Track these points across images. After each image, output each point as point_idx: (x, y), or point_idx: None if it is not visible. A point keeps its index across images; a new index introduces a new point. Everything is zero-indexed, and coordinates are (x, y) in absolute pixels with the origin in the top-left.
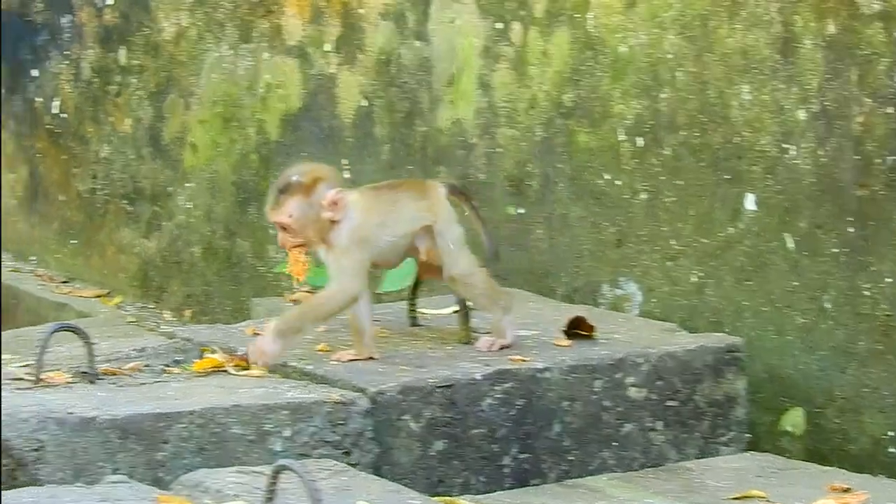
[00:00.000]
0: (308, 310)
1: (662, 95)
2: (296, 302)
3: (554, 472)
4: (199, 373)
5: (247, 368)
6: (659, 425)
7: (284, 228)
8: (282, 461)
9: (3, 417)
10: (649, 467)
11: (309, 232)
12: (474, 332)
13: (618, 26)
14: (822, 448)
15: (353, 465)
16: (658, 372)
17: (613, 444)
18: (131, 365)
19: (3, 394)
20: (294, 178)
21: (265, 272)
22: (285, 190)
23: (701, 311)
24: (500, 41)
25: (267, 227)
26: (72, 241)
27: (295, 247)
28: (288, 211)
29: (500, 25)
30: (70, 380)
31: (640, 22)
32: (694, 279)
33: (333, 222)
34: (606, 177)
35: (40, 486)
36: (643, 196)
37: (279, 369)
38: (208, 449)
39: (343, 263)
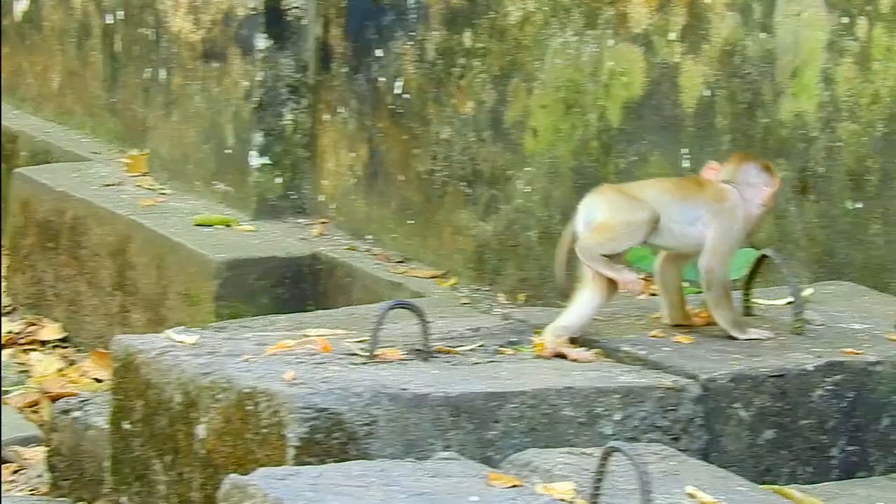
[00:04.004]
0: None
1: None
2: None
3: (881, 464)
4: (535, 354)
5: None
6: None
7: None
8: (612, 443)
9: (337, 391)
10: None
11: None
12: (808, 323)
13: None
14: None
15: (682, 451)
16: None
17: None
18: (467, 346)
19: (337, 368)
20: None
21: None
22: None
23: None
24: (844, 35)
25: None
26: (409, 222)
27: None
28: None
29: (845, 20)
30: (404, 357)
31: None
32: None
33: None
34: None
35: (371, 459)
36: None
37: (613, 354)
38: (539, 429)
39: None
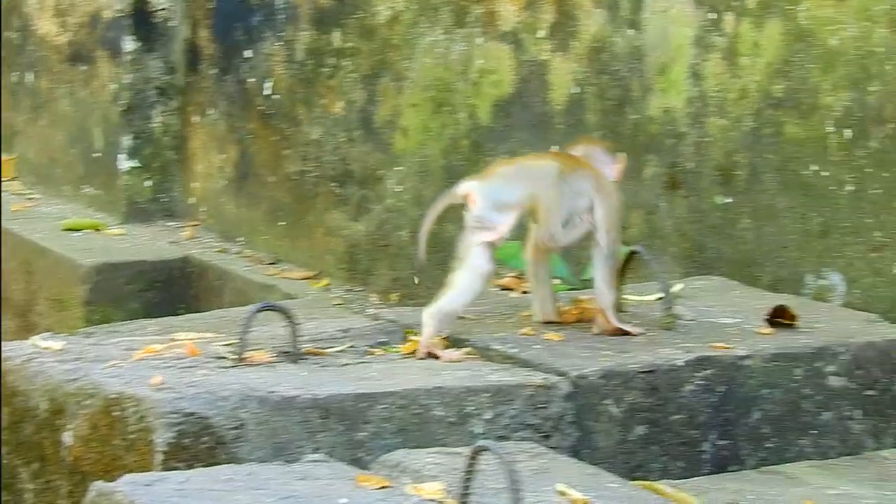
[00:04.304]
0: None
1: (871, 88)
2: (503, 287)
3: (752, 458)
4: (405, 354)
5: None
6: (857, 414)
7: None
8: (481, 442)
9: (204, 395)
10: (846, 455)
11: None
12: (678, 318)
13: (829, 19)
14: None
15: (553, 449)
16: (858, 361)
17: (812, 431)
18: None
19: (205, 372)
20: None
21: None
22: None
23: None
24: (712, 31)
25: None
26: (280, 223)
27: None
28: None
29: (713, 15)
30: (273, 359)
31: (851, 14)
32: None
33: None
34: (813, 168)
35: (239, 463)
36: (849, 188)
37: (483, 352)
38: (409, 430)
39: None
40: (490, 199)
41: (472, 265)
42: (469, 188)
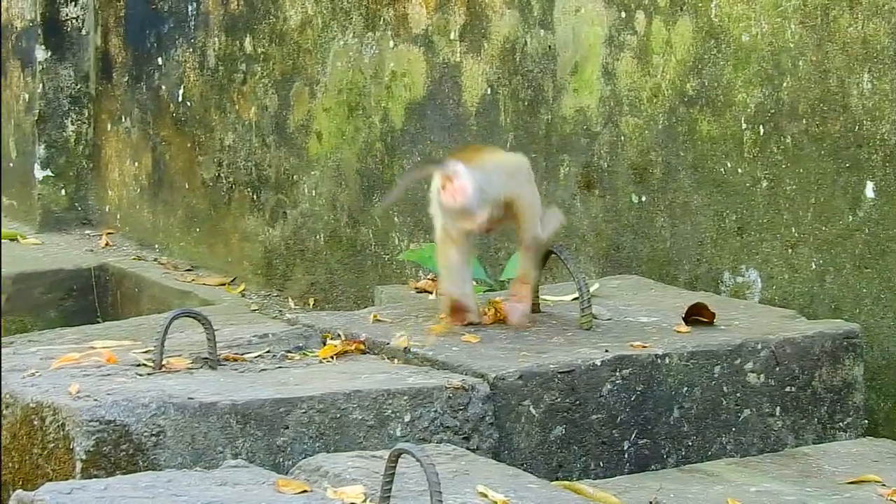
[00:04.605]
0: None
1: (784, 84)
2: (419, 290)
3: (673, 457)
4: (322, 359)
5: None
6: (777, 411)
7: None
8: (400, 445)
9: (123, 402)
10: (767, 452)
11: None
12: (595, 318)
13: (740, 15)
14: None
15: (473, 450)
16: (777, 358)
17: (732, 429)
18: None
19: (123, 380)
20: None
21: (389, 260)
22: None
23: (820, 298)
24: (623, 30)
25: (391, 214)
26: (196, 230)
27: None
28: None
29: (624, 14)
30: (191, 366)
31: (762, 11)
32: (813, 266)
33: None
34: (728, 165)
35: (159, 470)
36: (764, 184)
37: (399, 355)
38: (328, 434)
39: None
40: (476, 187)
41: (457, 250)
42: (458, 170)
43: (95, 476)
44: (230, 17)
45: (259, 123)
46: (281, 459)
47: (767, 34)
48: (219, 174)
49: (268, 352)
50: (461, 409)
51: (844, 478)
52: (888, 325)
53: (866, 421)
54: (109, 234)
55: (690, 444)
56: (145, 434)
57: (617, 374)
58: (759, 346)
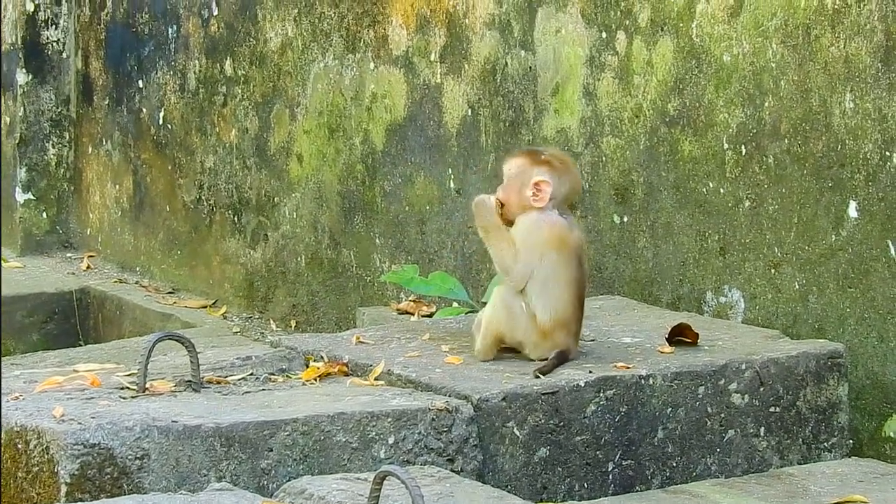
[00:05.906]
0: None
1: (765, 104)
2: (401, 311)
3: (657, 478)
4: (306, 381)
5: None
6: (762, 431)
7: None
8: (385, 467)
9: (107, 426)
10: (752, 473)
11: None
12: (581, 340)
13: (721, 35)
14: None
15: (457, 472)
16: (761, 378)
17: (716, 450)
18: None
19: (107, 403)
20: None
21: (370, 281)
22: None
23: (804, 318)
24: (604, 51)
25: (372, 236)
26: (177, 252)
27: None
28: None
29: (604, 35)
30: (174, 389)
31: (744, 31)
32: (797, 286)
33: None
34: (710, 185)
35: (144, 493)
36: (746, 204)
37: (383, 376)
38: (312, 456)
39: None
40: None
41: None
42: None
43: (80, 500)
44: (210, 39)
45: (240, 146)
46: (265, 482)
47: (749, 54)
48: (200, 196)
49: (251, 374)
50: (445, 431)
51: (830, 498)
52: (872, 344)
53: (851, 441)
54: (91, 256)
55: (675, 464)
56: (130, 457)
57: (601, 395)
58: (744, 367)
